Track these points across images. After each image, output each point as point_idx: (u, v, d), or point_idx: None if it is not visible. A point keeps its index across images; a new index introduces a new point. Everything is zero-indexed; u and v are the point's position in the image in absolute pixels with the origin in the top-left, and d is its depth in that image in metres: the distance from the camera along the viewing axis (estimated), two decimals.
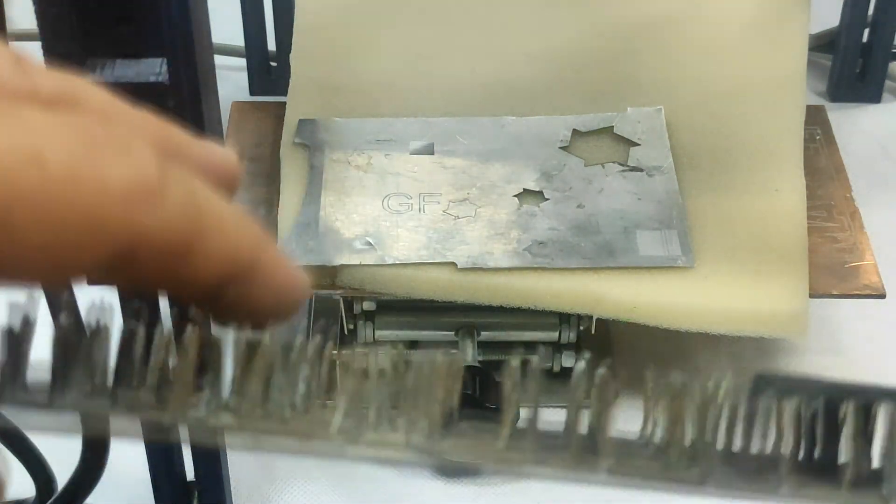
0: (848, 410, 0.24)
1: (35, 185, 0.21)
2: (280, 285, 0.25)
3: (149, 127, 0.25)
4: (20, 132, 0.21)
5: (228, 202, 0.25)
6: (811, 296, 0.61)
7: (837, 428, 0.24)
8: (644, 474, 0.24)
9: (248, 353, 0.24)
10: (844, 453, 0.24)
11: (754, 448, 0.24)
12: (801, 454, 0.24)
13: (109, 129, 0.23)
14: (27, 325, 0.24)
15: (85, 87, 0.25)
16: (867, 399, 0.24)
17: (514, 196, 0.63)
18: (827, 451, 0.24)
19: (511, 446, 0.24)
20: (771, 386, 0.24)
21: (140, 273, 0.23)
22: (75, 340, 0.24)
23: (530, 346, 0.65)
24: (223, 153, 0.27)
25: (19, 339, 0.24)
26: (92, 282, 0.23)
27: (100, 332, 0.24)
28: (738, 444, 0.24)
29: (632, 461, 0.24)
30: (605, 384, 0.24)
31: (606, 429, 0.23)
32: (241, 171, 0.27)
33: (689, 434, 0.24)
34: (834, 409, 0.24)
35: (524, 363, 0.24)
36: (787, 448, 0.24)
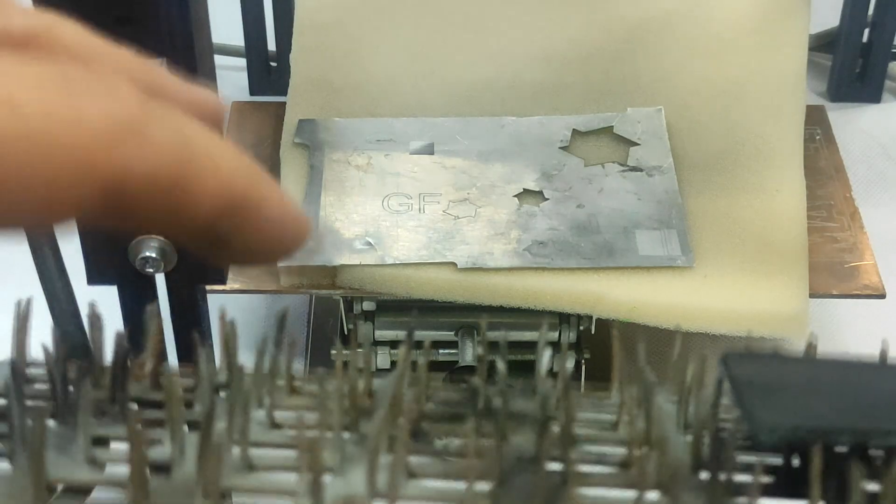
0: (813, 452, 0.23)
1: (8, 126, 0.21)
2: (278, 219, 0.25)
3: (130, 65, 0.25)
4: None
5: (219, 136, 0.24)
6: (811, 296, 0.61)
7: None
8: None
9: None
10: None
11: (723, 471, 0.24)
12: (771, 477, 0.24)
13: (87, 69, 0.22)
14: None
15: (61, 25, 0.24)
16: (830, 432, 0.23)
17: (514, 196, 0.63)
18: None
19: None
20: (738, 364, 0.24)
21: (133, 211, 0.22)
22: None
23: (530, 346, 0.65)
24: (206, 93, 0.26)
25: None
26: (88, 223, 0.23)
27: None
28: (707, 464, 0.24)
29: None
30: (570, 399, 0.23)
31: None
32: (224, 112, 0.27)
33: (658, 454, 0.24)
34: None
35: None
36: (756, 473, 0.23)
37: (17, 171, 0.21)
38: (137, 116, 0.22)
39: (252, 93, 0.84)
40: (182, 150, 0.23)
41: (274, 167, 0.67)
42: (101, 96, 0.22)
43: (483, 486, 0.23)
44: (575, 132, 0.66)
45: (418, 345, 0.66)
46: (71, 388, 0.25)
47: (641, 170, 0.64)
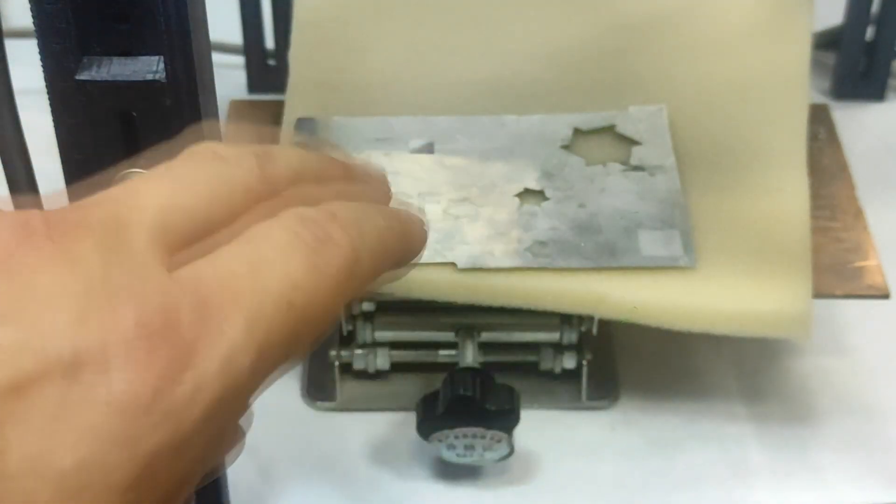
0: None
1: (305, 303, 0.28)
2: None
3: (331, 174, 0.33)
4: (275, 280, 0.28)
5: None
6: (814, 296, 0.60)
7: None
8: None
9: None
10: None
11: None
12: None
13: (307, 223, 0.29)
14: None
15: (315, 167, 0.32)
16: None
17: (515, 195, 0.62)
18: None
19: None
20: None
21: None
22: None
23: (531, 346, 0.65)
24: (368, 168, 0.36)
25: None
26: None
27: None
28: None
29: None
30: None
31: None
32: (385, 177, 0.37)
33: None
34: None
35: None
36: None
37: (307, 332, 0.29)
38: (353, 258, 0.30)
39: (250, 91, 0.84)
40: (381, 262, 0.32)
41: None
42: (327, 255, 0.29)
43: None
44: (576, 131, 0.66)
45: (415, 345, 0.66)
46: None
47: (643, 169, 0.64)
